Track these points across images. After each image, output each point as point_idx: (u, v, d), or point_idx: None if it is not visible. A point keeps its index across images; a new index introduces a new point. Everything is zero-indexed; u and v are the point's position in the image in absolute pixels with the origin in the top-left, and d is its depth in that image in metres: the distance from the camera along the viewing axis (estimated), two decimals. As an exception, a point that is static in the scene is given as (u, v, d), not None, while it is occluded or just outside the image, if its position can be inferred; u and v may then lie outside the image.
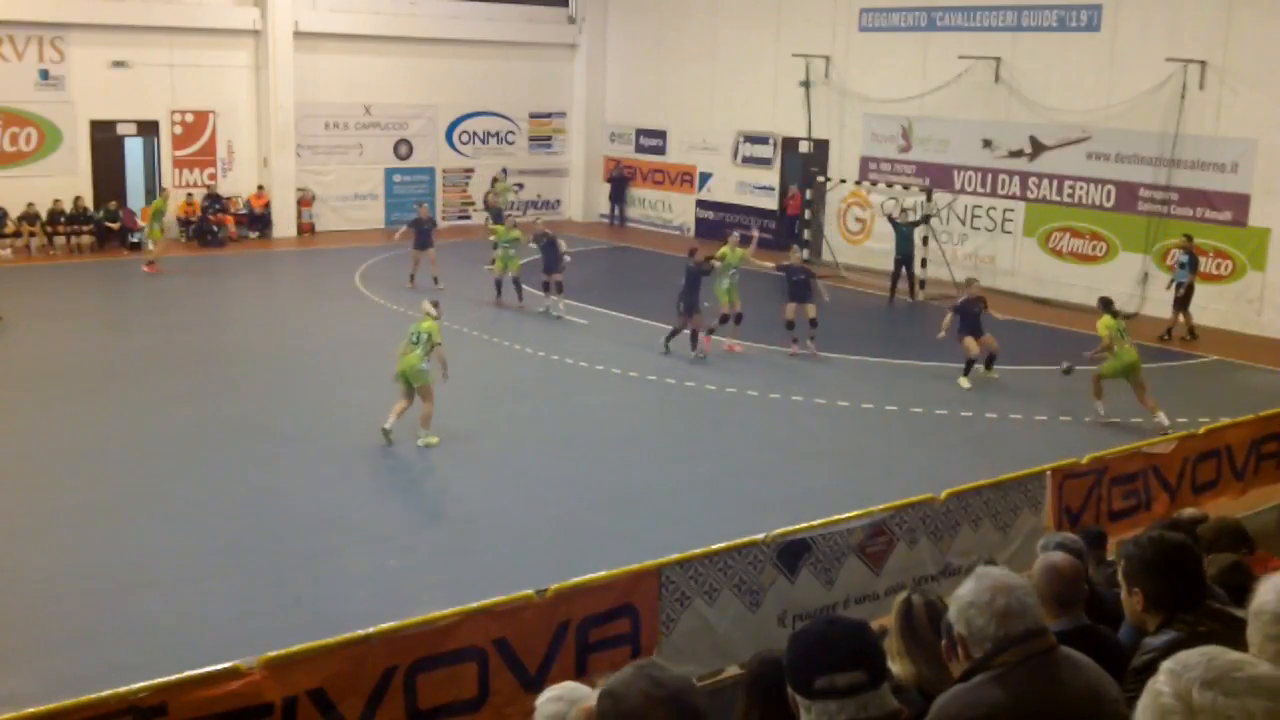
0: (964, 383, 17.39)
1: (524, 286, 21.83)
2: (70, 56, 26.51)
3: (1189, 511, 7.76)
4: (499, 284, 22.15)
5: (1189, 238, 21.02)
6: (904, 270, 23.97)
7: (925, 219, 24.17)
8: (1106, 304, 16.14)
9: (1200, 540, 5.84)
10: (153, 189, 28.27)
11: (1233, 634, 3.69)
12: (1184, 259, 20.74)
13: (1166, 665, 2.03)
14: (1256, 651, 2.20)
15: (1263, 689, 1.94)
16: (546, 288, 21.60)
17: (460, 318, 20.43)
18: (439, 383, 13.97)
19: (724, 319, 19.02)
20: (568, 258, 21.48)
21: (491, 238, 22.62)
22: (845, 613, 7.76)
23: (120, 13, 26.77)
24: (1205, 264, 22.03)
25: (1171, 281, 21.02)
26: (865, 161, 27.48)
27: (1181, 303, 20.72)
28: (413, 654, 6.21)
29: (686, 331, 18.52)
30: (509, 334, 19.90)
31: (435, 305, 14.69)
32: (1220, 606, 4.06)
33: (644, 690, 2.47)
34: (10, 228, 25.92)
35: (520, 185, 33.03)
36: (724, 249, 19.25)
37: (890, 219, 24.37)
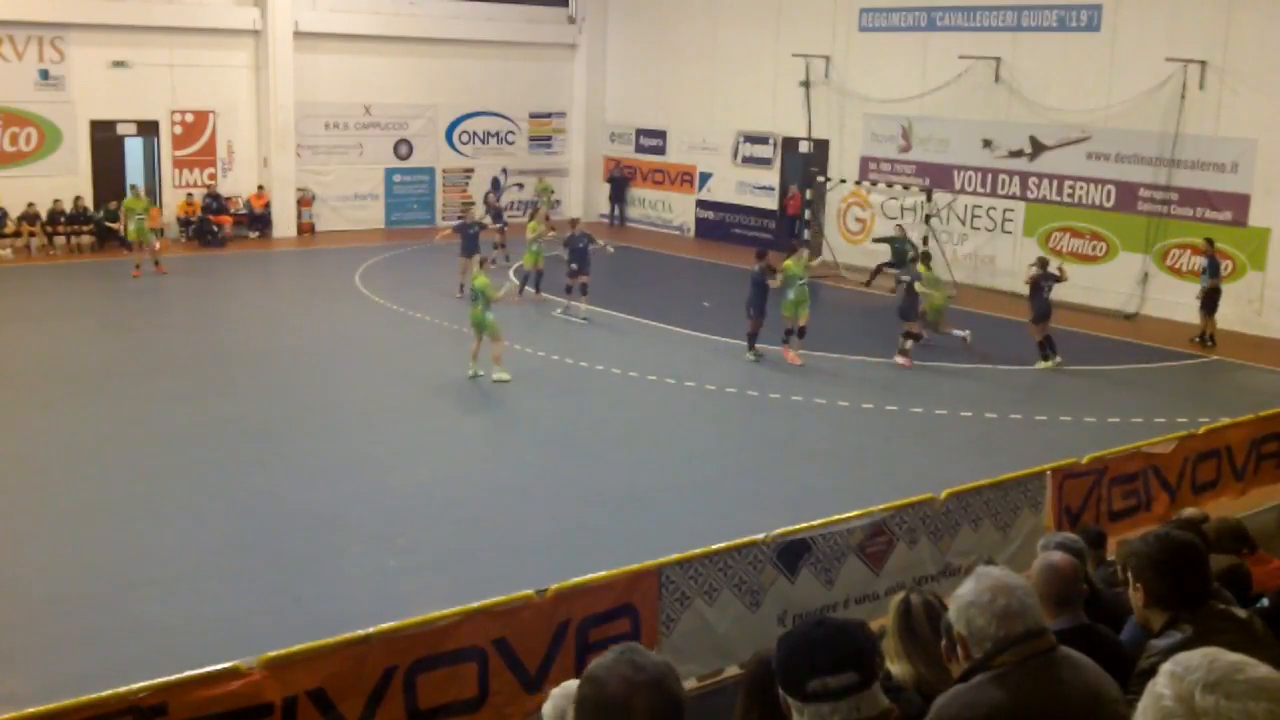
0: (1041, 365, 18.42)
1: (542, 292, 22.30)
2: (70, 56, 26.51)
3: (1189, 511, 7.76)
4: (526, 278, 22.53)
5: (1210, 242, 20.83)
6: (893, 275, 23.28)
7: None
8: (927, 257, 20.80)
9: (1258, 534, 5.84)
10: (153, 189, 28.27)
11: (1238, 636, 3.68)
12: (1204, 263, 20.67)
13: (1167, 668, 2.02)
14: None
15: (1264, 691, 1.93)
16: (569, 290, 21.38)
17: (464, 318, 20.42)
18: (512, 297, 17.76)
19: (789, 333, 18.48)
20: (611, 249, 22.19)
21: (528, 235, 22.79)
22: (845, 613, 7.76)
23: (120, 13, 26.78)
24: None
25: (1201, 288, 20.81)
26: (865, 161, 27.48)
27: (1207, 306, 20.57)
28: (413, 654, 6.21)
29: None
30: (510, 334, 19.87)
31: (481, 264, 17.46)
32: (1225, 607, 4.06)
33: (625, 675, 2.47)
34: (10, 228, 25.93)
35: (520, 185, 33.08)
36: (788, 261, 18.54)
37: (890, 242, 24.06)
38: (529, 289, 22.62)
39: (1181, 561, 4.00)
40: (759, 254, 19.02)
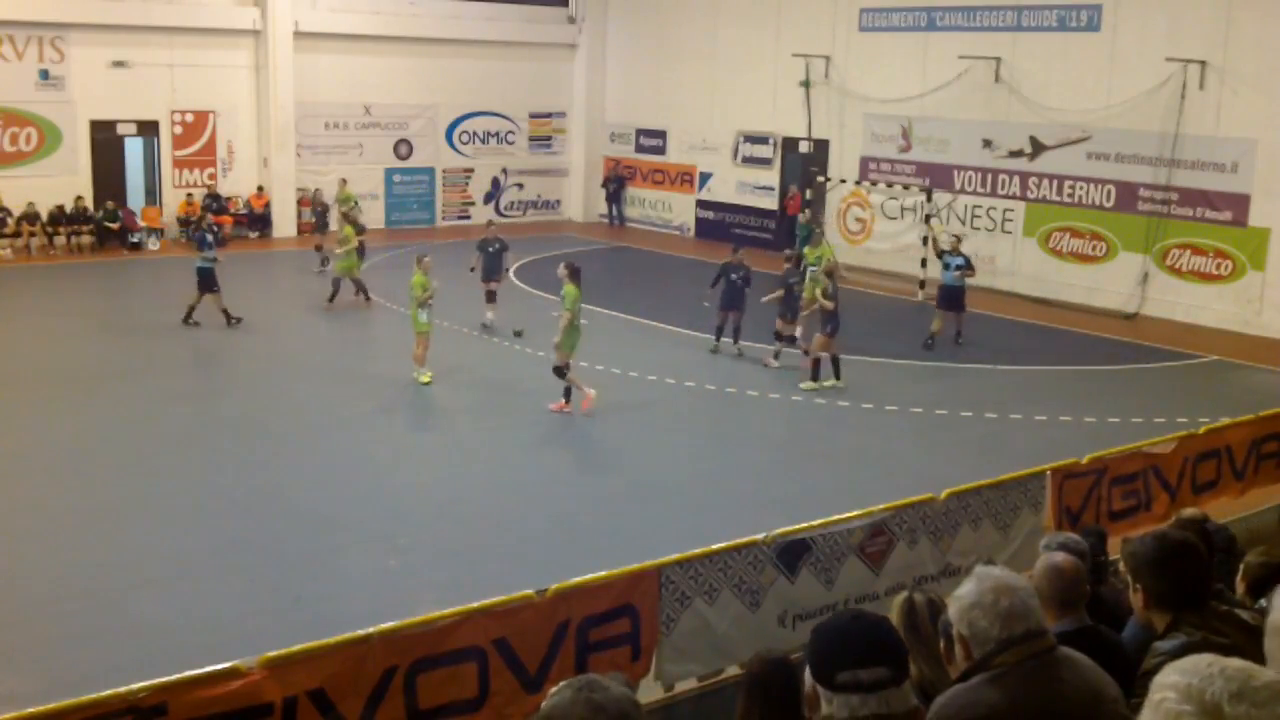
0: (808, 384, 16.96)
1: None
2: (70, 56, 26.51)
3: (1189, 511, 7.75)
4: (338, 284, 21.59)
5: (958, 239, 20.47)
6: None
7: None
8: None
9: (1258, 534, 5.77)
10: (153, 189, 28.28)
11: (1243, 639, 3.67)
12: (959, 261, 19.72)
13: (1174, 680, 1.99)
14: (1277, 667, 2.15)
15: None
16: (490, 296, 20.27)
17: (461, 318, 20.42)
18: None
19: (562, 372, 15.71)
20: (510, 272, 20.54)
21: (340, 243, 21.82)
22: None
23: (120, 13, 26.77)
24: (1204, 264, 22.06)
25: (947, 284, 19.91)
26: (865, 161, 27.48)
27: (955, 305, 19.78)
28: (413, 654, 6.21)
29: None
30: (508, 334, 19.88)
31: (419, 261, 16.91)
32: (1228, 609, 4.04)
33: (583, 717, 2.40)
34: (10, 228, 25.93)
35: (521, 185, 33.08)
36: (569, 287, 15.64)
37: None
38: (360, 295, 21.62)
39: (1179, 561, 3.98)
40: (734, 250, 19.17)
